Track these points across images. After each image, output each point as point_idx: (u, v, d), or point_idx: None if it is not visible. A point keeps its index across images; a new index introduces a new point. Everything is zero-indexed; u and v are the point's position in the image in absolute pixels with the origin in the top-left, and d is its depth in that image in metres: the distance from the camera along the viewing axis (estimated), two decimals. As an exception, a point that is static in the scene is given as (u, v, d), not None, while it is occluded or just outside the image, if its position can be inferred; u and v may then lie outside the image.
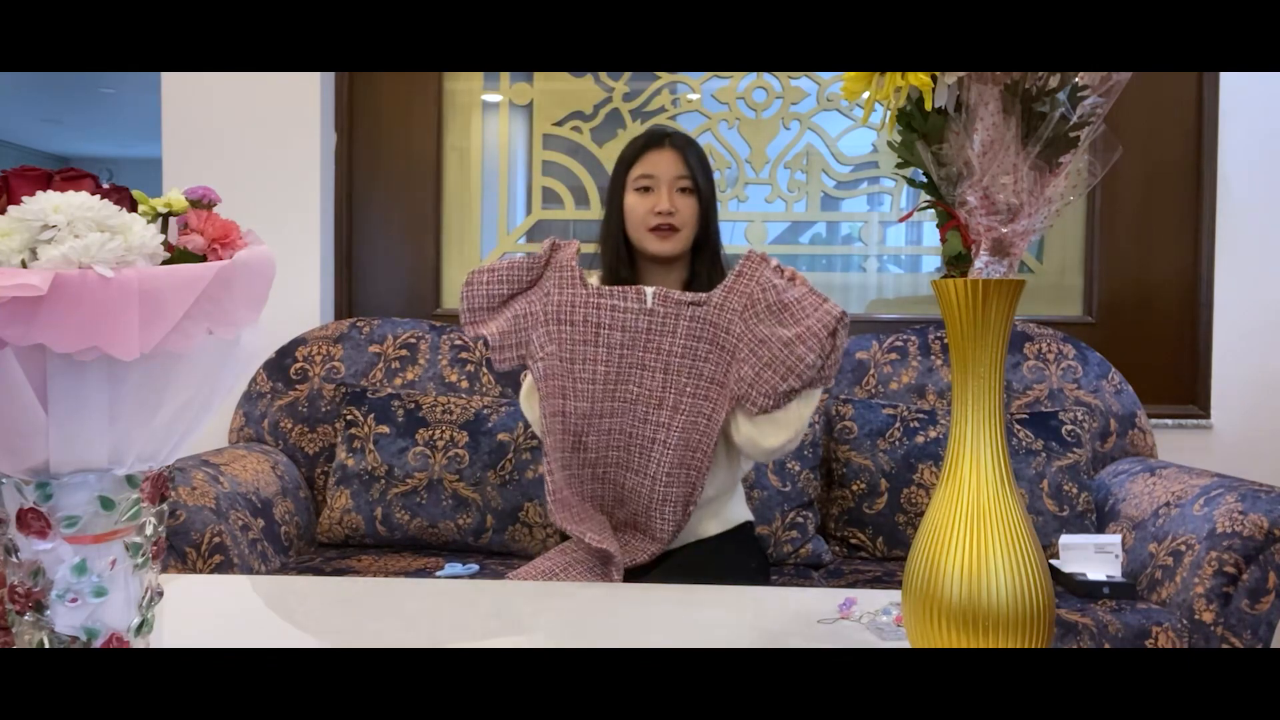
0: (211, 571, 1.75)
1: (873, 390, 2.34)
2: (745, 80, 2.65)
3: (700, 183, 1.61)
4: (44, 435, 0.64)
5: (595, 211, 2.63)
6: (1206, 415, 2.52)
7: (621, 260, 1.63)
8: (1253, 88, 2.49)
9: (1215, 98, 2.50)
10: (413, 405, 2.23)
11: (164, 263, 0.67)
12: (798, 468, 2.16)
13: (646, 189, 1.60)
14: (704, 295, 1.49)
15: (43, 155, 9.21)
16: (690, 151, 1.61)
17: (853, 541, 2.17)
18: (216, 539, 1.79)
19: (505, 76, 2.71)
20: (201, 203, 0.72)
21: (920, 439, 2.17)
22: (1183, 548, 1.81)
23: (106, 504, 0.68)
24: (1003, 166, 0.80)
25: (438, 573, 1.97)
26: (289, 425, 2.33)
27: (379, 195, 2.69)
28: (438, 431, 2.20)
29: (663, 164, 1.60)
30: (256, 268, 0.70)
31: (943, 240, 0.84)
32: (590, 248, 1.67)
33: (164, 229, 0.70)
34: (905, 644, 0.92)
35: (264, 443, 2.32)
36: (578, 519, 1.49)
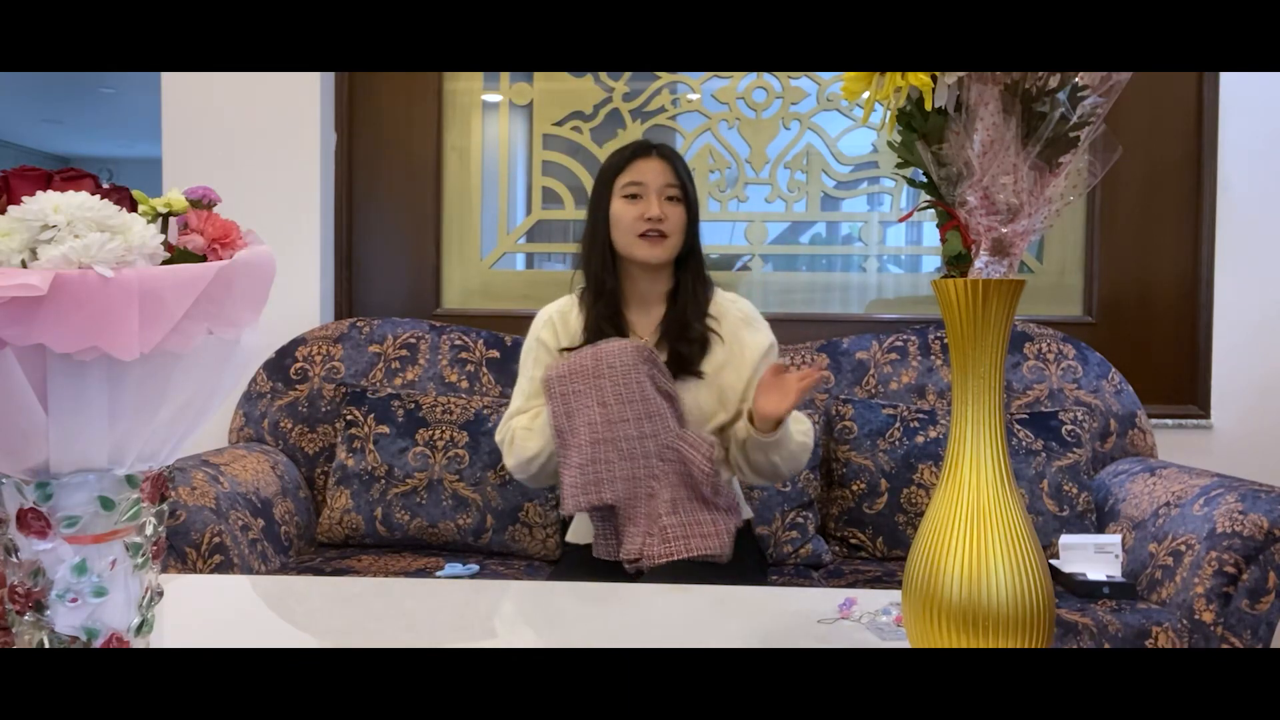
0: (211, 571, 1.75)
1: (873, 390, 2.34)
2: (745, 80, 2.64)
3: (688, 192, 1.63)
4: (44, 435, 0.64)
5: (595, 211, 2.63)
6: (1206, 415, 2.52)
7: (607, 269, 1.64)
8: (1253, 88, 2.48)
9: (1215, 98, 2.50)
10: (413, 405, 2.23)
11: (164, 263, 0.67)
12: (798, 468, 2.16)
13: (635, 196, 1.61)
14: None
15: (43, 155, 9.21)
16: (678, 162, 1.63)
17: (853, 541, 2.17)
18: (216, 539, 1.79)
19: (505, 76, 2.71)
20: (201, 203, 0.72)
21: (920, 439, 2.17)
22: (1183, 548, 1.81)
23: (106, 504, 0.67)
24: (1003, 166, 0.80)
25: (438, 573, 1.97)
26: (289, 425, 2.33)
27: (379, 195, 2.69)
28: (438, 431, 2.20)
29: (651, 172, 1.61)
30: (256, 268, 0.70)
31: (943, 240, 0.84)
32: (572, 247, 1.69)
33: (164, 229, 0.70)
34: (905, 644, 0.92)
35: (264, 443, 2.32)
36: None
